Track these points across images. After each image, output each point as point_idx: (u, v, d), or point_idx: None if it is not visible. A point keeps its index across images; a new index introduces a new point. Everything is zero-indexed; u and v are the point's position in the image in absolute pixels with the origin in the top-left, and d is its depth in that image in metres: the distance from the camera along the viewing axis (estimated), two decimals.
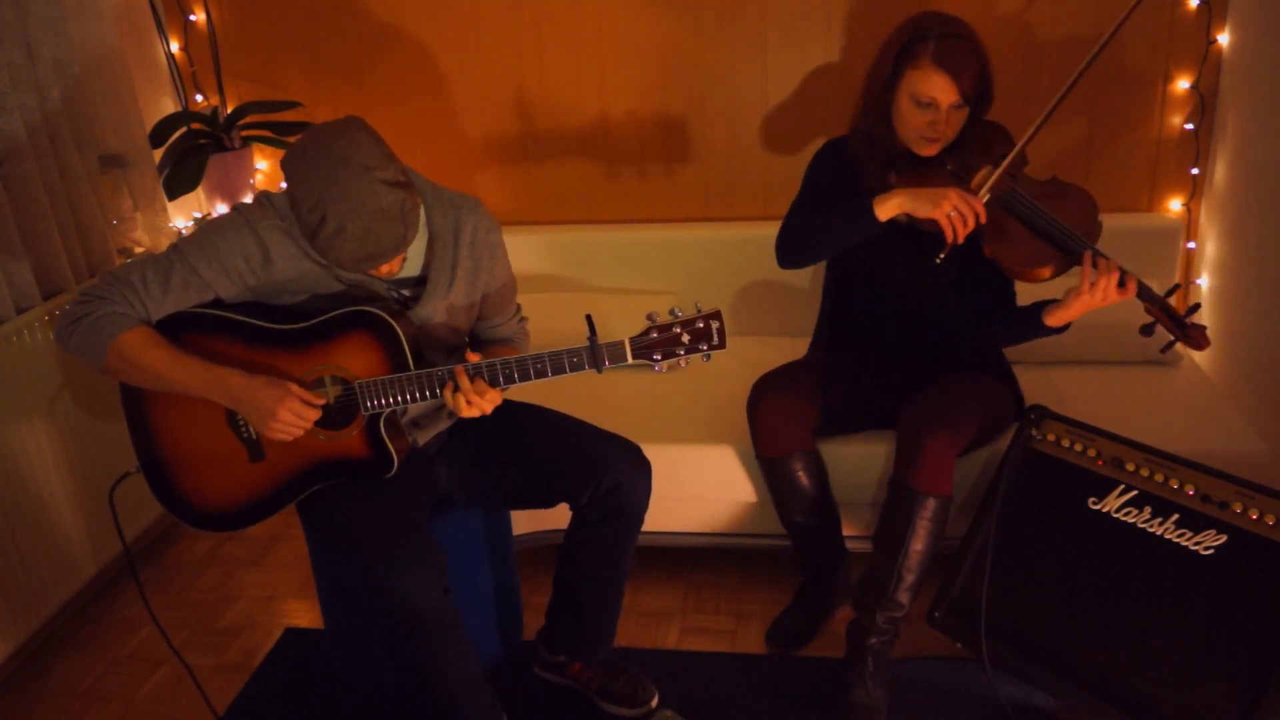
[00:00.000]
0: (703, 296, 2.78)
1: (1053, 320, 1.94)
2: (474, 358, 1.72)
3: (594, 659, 2.10)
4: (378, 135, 1.62)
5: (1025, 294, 2.13)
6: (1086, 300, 1.85)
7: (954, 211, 1.87)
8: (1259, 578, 1.75)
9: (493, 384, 1.72)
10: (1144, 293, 1.86)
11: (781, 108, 2.82)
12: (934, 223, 1.90)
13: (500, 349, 1.97)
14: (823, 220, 2.02)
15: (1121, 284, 1.83)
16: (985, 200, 1.93)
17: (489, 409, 1.73)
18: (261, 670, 2.30)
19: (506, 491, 2.00)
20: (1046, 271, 1.91)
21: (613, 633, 2.10)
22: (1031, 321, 1.98)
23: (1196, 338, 1.86)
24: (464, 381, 1.70)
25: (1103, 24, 2.57)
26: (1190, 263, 2.78)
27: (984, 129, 2.04)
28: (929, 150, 1.99)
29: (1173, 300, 1.87)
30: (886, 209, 1.92)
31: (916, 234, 2.01)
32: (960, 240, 1.89)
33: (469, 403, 1.71)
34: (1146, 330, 1.91)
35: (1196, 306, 1.88)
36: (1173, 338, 1.89)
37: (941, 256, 1.92)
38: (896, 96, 1.97)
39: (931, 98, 1.91)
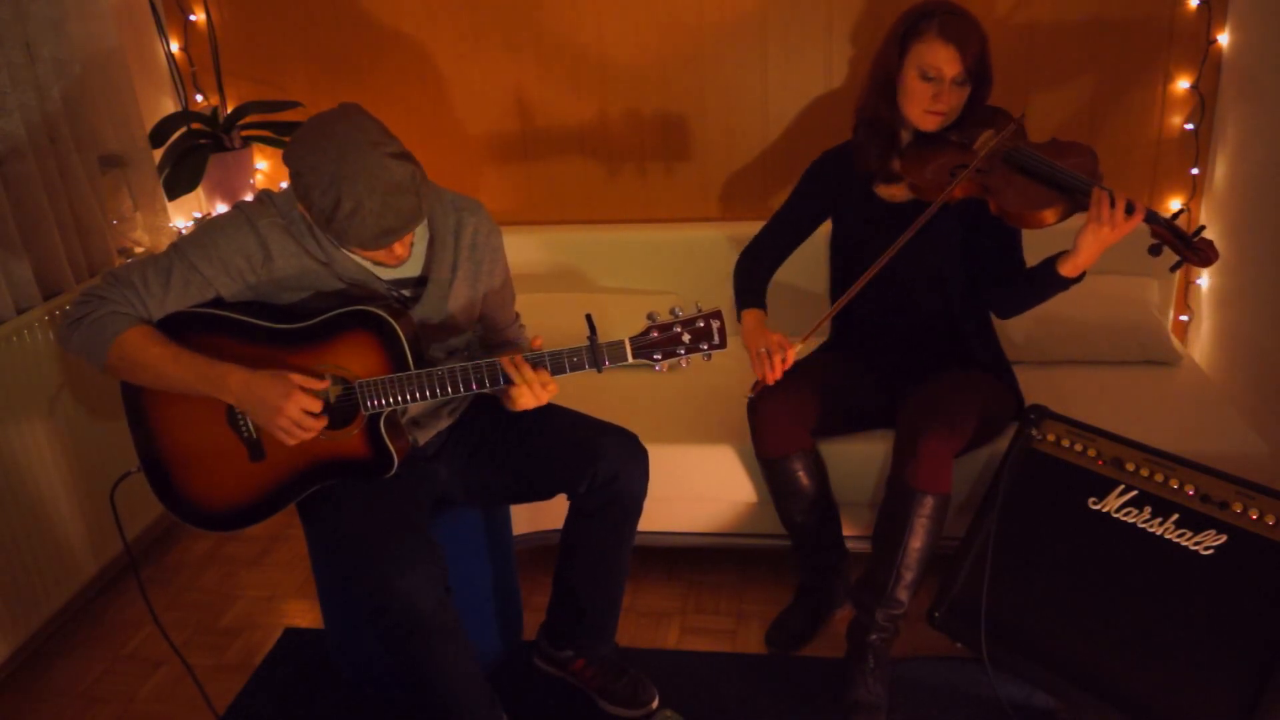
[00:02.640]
0: (703, 296, 2.76)
1: (1068, 269, 1.93)
2: (537, 342, 1.73)
3: (595, 654, 2.10)
4: (375, 118, 1.63)
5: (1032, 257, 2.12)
6: (1095, 230, 1.85)
7: (764, 349, 2.05)
8: (1259, 578, 1.75)
9: (492, 383, 1.73)
10: (1151, 216, 1.89)
11: (781, 106, 2.82)
12: (935, 186, 2.01)
13: (508, 354, 1.97)
14: (739, 285, 2.29)
15: (1130, 209, 1.84)
16: (989, 154, 1.99)
17: (545, 399, 1.74)
18: (261, 670, 2.30)
19: (505, 486, 2.00)
20: (1052, 214, 1.92)
21: (614, 627, 2.10)
22: (1047, 276, 1.96)
23: (1205, 251, 1.86)
24: (528, 373, 1.70)
25: (1105, 14, 2.57)
26: None
27: (985, 110, 2.10)
28: (931, 124, 2.05)
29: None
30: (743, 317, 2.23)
31: (910, 217, 2.03)
32: (770, 380, 2.05)
33: (535, 395, 1.72)
34: (1154, 250, 1.92)
35: (1202, 228, 1.90)
36: (1180, 258, 1.89)
37: (750, 394, 2.11)
38: (903, 72, 2.03)
39: (937, 69, 1.98)
